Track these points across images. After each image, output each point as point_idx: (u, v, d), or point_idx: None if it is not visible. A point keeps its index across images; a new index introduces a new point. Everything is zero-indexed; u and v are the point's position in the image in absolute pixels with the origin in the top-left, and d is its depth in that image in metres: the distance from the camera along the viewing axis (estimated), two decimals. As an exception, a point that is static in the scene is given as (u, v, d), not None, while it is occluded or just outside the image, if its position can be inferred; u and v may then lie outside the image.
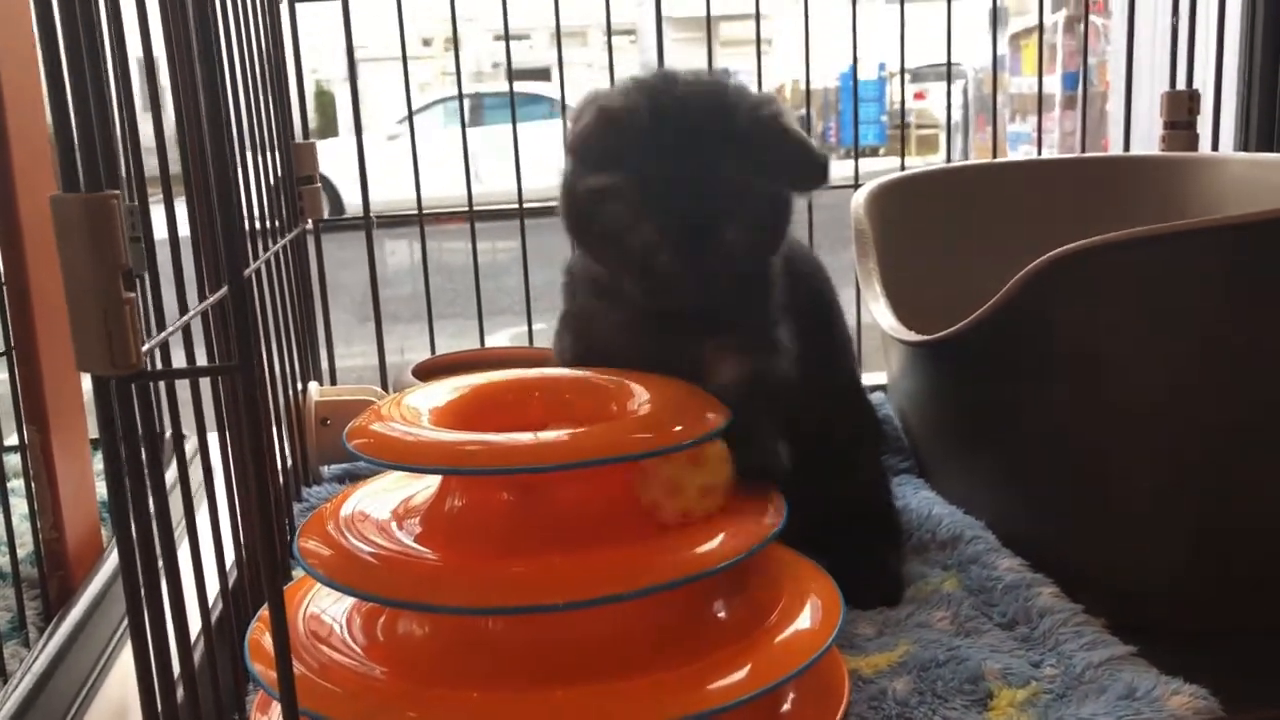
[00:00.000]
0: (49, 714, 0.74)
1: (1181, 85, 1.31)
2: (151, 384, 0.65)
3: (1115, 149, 1.37)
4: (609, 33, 1.23)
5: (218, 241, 0.70)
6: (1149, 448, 0.78)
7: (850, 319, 1.00)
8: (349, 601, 0.66)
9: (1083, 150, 1.44)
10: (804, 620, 0.64)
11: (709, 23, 1.24)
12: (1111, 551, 0.81)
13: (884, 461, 1.02)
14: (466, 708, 0.58)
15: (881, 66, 7.92)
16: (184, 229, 0.69)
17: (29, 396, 0.88)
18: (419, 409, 0.69)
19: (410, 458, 0.64)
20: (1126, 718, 0.64)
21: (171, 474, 0.72)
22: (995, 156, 1.43)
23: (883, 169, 1.27)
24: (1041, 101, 1.47)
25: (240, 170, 0.94)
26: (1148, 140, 1.36)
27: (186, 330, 0.66)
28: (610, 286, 0.79)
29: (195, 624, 0.63)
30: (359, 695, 0.58)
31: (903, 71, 1.32)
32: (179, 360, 0.64)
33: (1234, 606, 0.81)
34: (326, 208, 1.29)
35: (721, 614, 0.65)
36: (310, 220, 1.26)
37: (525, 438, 0.63)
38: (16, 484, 0.99)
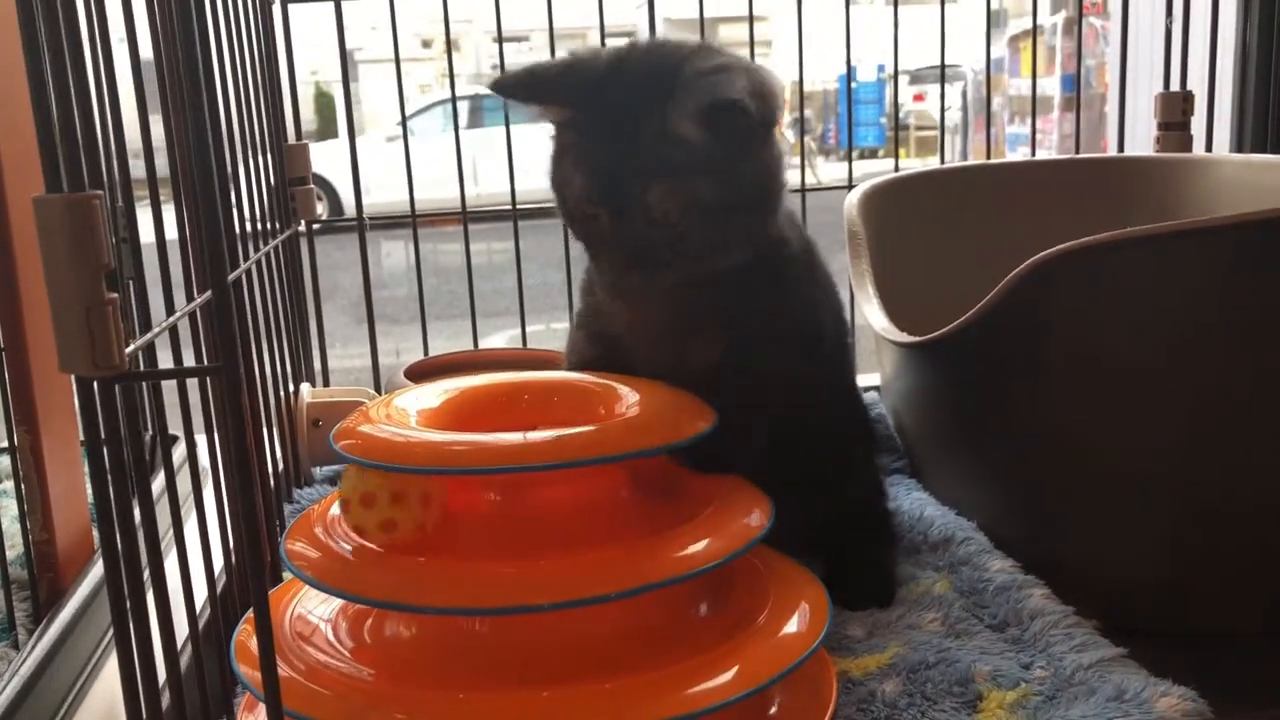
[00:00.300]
0: (38, 715, 0.74)
1: (1176, 86, 1.31)
2: (136, 385, 0.65)
3: (1113, 151, 1.37)
4: (602, 35, 1.23)
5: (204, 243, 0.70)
6: (1141, 450, 0.78)
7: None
8: (336, 603, 0.66)
9: (1078, 151, 1.44)
10: (791, 623, 0.64)
11: (701, 25, 1.24)
12: (1103, 553, 0.81)
13: (878, 461, 1.02)
14: (453, 709, 0.58)
15: (880, 68, 7.94)
16: (173, 231, 0.69)
17: (18, 398, 0.88)
18: (408, 410, 0.69)
19: (397, 458, 0.64)
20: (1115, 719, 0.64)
21: (162, 476, 0.72)
22: (990, 158, 1.43)
23: (883, 170, 1.27)
24: (1036, 103, 1.47)
25: (231, 171, 0.94)
26: (1147, 141, 1.36)
27: (174, 332, 0.66)
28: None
29: (182, 626, 0.63)
30: (346, 696, 0.58)
31: (896, 73, 1.32)
32: (166, 362, 0.64)
33: (1225, 609, 0.80)
34: (324, 209, 1.29)
35: (708, 616, 0.65)
36: (303, 221, 1.26)
37: (512, 438, 0.63)
38: (6, 485, 0.99)
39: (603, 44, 0.82)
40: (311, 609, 0.67)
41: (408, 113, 1.40)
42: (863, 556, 0.86)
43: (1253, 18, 1.48)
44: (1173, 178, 1.19)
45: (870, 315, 0.99)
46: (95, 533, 0.98)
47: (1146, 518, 0.79)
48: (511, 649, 0.62)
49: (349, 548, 0.63)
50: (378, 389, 1.31)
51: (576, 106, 0.75)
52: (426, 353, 1.34)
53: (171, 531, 0.65)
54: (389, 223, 1.50)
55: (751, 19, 1.31)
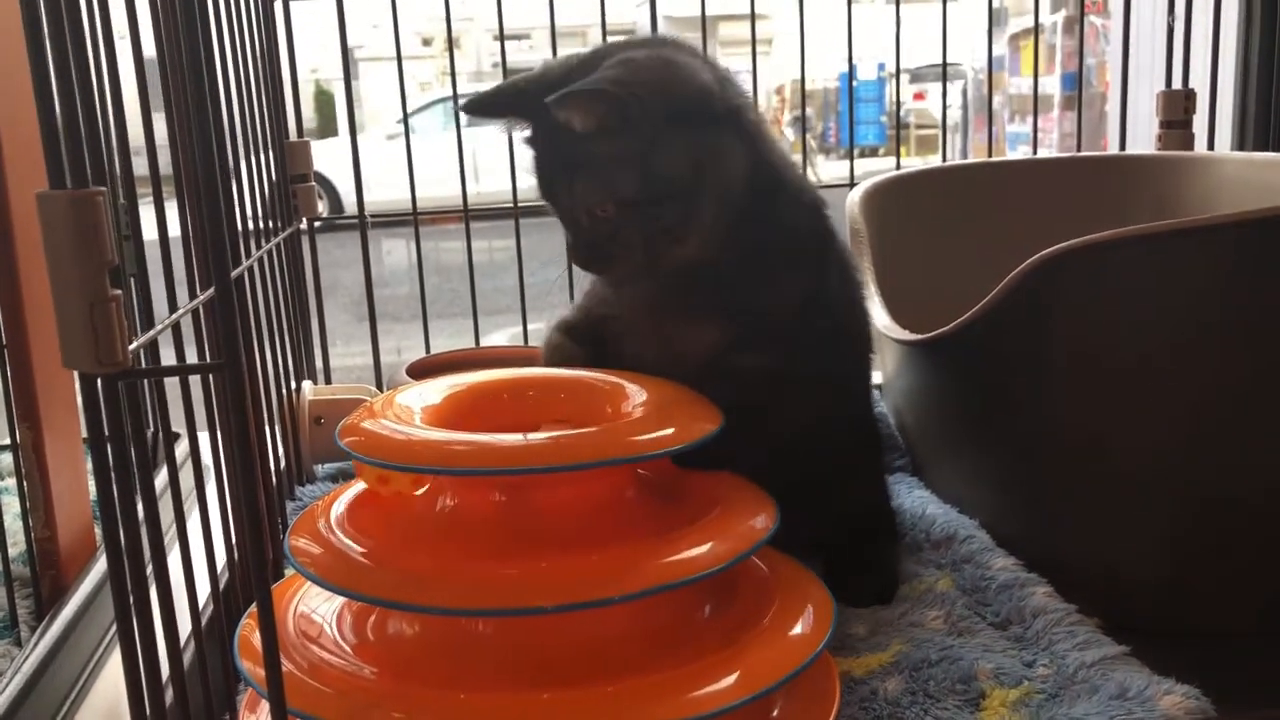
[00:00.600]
0: (40, 712, 0.74)
1: (1178, 84, 1.31)
2: (139, 382, 0.65)
3: (1114, 149, 1.37)
4: (604, 33, 1.23)
5: (207, 240, 0.69)
6: (1143, 447, 0.78)
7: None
8: (339, 600, 0.66)
9: (1079, 150, 1.44)
10: (796, 625, 0.63)
11: (703, 24, 1.24)
12: (1105, 551, 0.81)
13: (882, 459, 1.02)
14: (455, 709, 0.58)
15: (881, 67, 7.93)
16: (176, 228, 0.69)
17: (20, 394, 0.88)
18: (412, 407, 0.69)
19: (401, 457, 0.64)
20: (1118, 718, 0.64)
21: (165, 472, 0.72)
22: (991, 156, 1.43)
23: (883, 168, 1.27)
24: (1037, 102, 1.47)
25: (233, 169, 0.94)
26: (1148, 140, 1.36)
27: (177, 328, 0.65)
28: None
29: (185, 622, 0.63)
30: (348, 694, 0.58)
31: (898, 71, 1.32)
32: (169, 359, 0.64)
33: (1227, 607, 0.80)
34: (325, 207, 1.29)
35: (712, 618, 0.65)
36: (305, 219, 1.26)
37: (515, 439, 0.63)
38: (8, 482, 0.99)
39: (604, 41, 0.82)
40: (314, 606, 0.67)
41: (409, 111, 1.40)
42: (865, 554, 0.86)
43: (1255, 15, 1.48)
44: (1174, 176, 1.19)
45: (872, 313, 0.98)
46: (97, 529, 0.98)
47: (1147, 516, 0.79)
48: (514, 650, 0.62)
49: (353, 545, 0.63)
50: (379, 387, 1.31)
51: (529, 119, 0.80)
52: (428, 351, 1.34)
53: (174, 528, 0.65)
54: (390, 221, 1.50)
55: (753, 17, 1.31)
